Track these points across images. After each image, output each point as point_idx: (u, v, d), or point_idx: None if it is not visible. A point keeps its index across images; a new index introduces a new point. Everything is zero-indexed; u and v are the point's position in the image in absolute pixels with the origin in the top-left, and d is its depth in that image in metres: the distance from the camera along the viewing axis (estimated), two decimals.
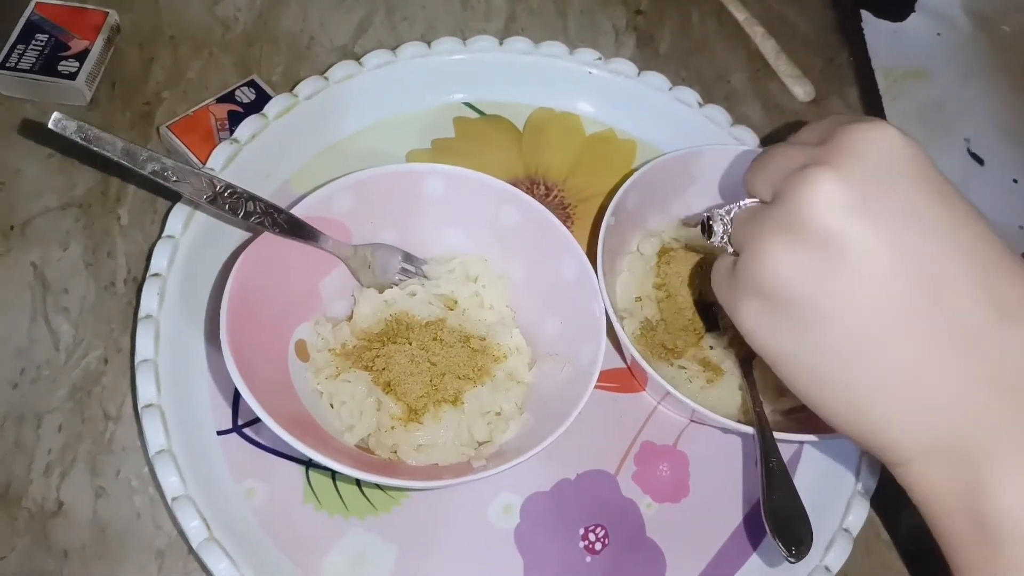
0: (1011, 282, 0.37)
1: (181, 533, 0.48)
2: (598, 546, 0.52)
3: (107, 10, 0.65)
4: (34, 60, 0.62)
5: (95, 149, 0.44)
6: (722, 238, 0.45)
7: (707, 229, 0.46)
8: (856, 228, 0.37)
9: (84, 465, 0.51)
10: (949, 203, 0.38)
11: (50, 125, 0.43)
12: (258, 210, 0.49)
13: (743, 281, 0.41)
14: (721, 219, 0.45)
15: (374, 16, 0.72)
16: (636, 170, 0.56)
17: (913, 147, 0.39)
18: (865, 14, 0.76)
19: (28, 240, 0.58)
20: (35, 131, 0.62)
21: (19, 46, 0.63)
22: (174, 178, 0.47)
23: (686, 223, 0.60)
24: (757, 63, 0.75)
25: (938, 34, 0.77)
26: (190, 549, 0.48)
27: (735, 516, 0.54)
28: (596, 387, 0.49)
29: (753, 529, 0.53)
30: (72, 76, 0.62)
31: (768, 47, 0.75)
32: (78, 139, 0.44)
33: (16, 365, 0.54)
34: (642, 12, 0.76)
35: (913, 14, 0.77)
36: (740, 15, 0.77)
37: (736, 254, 0.44)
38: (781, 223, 0.39)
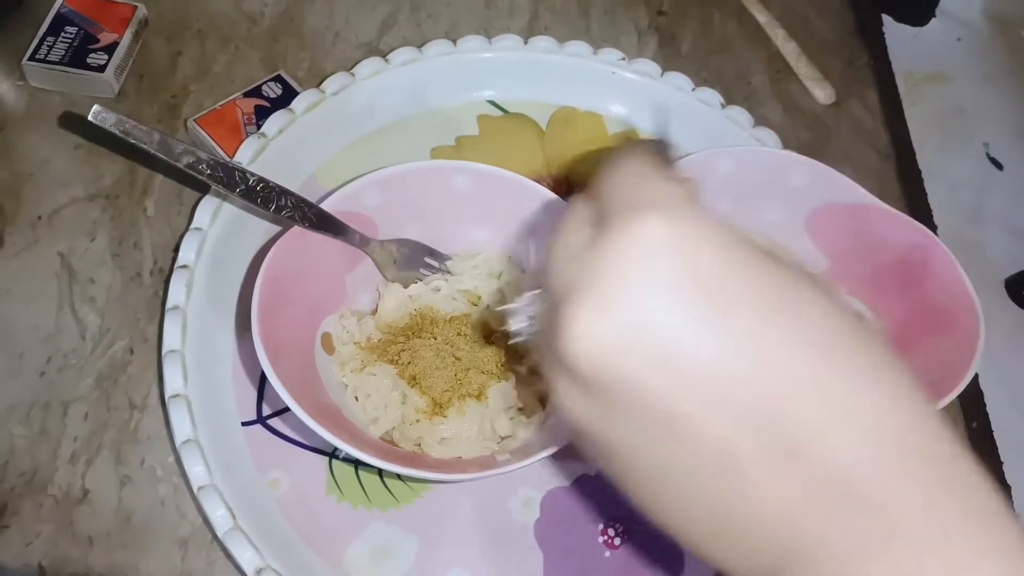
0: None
1: (206, 521, 0.49)
2: (617, 541, 0.52)
3: (136, 3, 0.66)
4: (63, 52, 0.63)
5: (132, 142, 0.45)
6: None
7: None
8: (625, 374, 0.27)
9: (109, 453, 0.52)
10: (743, 300, 0.27)
11: (90, 117, 0.44)
12: (289, 204, 0.50)
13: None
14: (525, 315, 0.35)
15: (399, 13, 0.72)
16: None
17: (687, 240, 0.27)
18: (886, 18, 0.77)
19: (55, 230, 0.59)
20: (64, 122, 0.62)
21: (49, 38, 0.63)
22: (208, 171, 0.47)
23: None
24: (778, 65, 0.75)
25: (958, 39, 0.77)
26: (215, 537, 0.48)
27: None
28: None
29: None
30: (101, 69, 0.63)
31: (789, 49, 0.76)
32: (117, 131, 0.44)
33: (43, 353, 0.54)
34: (664, 13, 0.76)
35: (934, 19, 0.78)
36: (761, 17, 0.77)
37: None
38: (558, 362, 0.29)
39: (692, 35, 0.76)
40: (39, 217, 0.59)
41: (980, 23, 0.78)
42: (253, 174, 0.49)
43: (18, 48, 0.63)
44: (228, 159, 0.59)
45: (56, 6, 0.65)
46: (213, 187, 0.50)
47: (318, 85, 0.62)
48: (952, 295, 0.54)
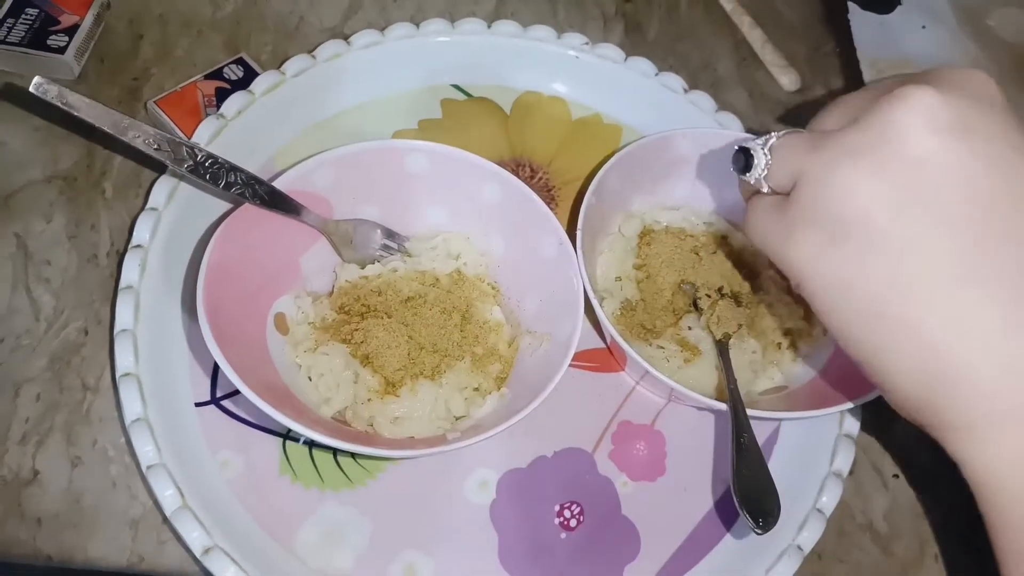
0: None
1: (155, 502, 0.48)
2: (573, 523, 0.52)
3: None
4: (23, 33, 0.62)
5: (75, 115, 0.44)
6: (763, 171, 0.41)
7: (743, 161, 0.42)
8: (955, 150, 0.34)
9: (60, 434, 0.51)
10: None
11: (31, 88, 0.43)
12: (239, 181, 0.49)
13: (800, 212, 0.38)
14: (761, 149, 0.41)
15: None
16: (618, 151, 0.57)
17: (1000, 90, 0.38)
18: (852, 5, 0.77)
19: (11, 212, 0.58)
20: (21, 103, 0.62)
21: (9, 19, 0.63)
22: (155, 146, 0.47)
23: (668, 208, 0.60)
24: (744, 52, 0.75)
25: (923, 27, 0.77)
26: (164, 518, 0.48)
27: (710, 496, 0.54)
28: (575, 366, 0.49)
29: (727, 509, 0.54)
30: (61, 51, 0.62)
31: (755, 36, 0.76)
32: (59, 103, 0.44)
33: None
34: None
35: (899, 6, 0.78)
36: (728, 4, 0.77)
37: (775, 192, 0.41)
38: (863, 146, 0.36)
39: (658, 22, 0.76)
40: None
41: (946, 11, 0.78)
42: (202, 150, 0.49)
43: None
44: (181, 137, 0.59)
45: None
46: (164, 163, 0.49)
47: (279, 67, 0.62)
48: None
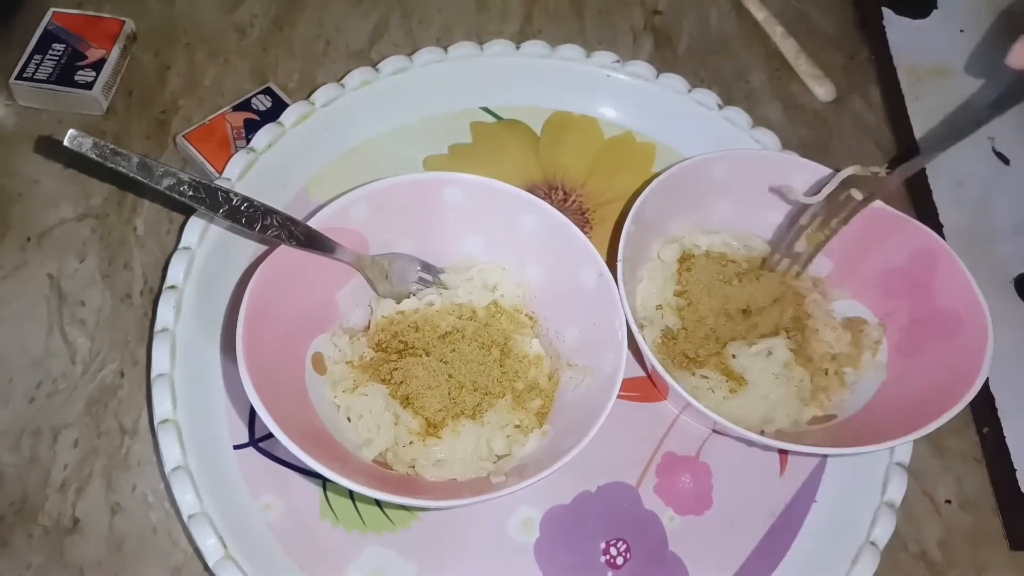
0: None
1: (196, 551, 0.48)
2: (619, 560, 0.51)
3: (123, 19, 0.65)
4: (51, 70, 0.62)
5: (110, 166, 0.44)
6: None
7: None
8: None
9: (100, 480, 0.51)
10: None
11: (65, 143, 0.43)
12: (275, 223, 0.49)
13: None
14: None
15: (390, 20, 0.71)
16: (656, 176, 0.56)
17: None
18: (887, 11, 0.75)
19: (44, 251, 0.58)
20: (52, 142, 0.62)
21: (36, 56, 0.62)
22: (190, 192, 0.46)
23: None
24: (777, 62, 0.74)
25: (961, 30, 0.76)
26: (206, 567, 0.48)
27: (759, 528, 0.53)
28: (618, 397, 0.48)
29: (776, 542, 0.52)
30: (88, 86, 0.62)
31: (788, 46, 0.74)
32: (94, 156, 0.43)
33: (33, 378, 0.54)
34: (660, 12, 0.75)
35: (935, 10, 0.76)
36: (759, 14, 0.76)
37: None
38: None
39: (689, 34, 0.74)
40: (28, 238, 0.58)
41: (983, 13, 0.76)
42: (237, 194, 0.48)
43: (5, 67, 0.63)
44: (213, 176, 0.58)
45: (43, 23, 0.64)
46: (199, 209, 0.49)
47: (308, 96, 0.61)
48: (959, 299, 0.53)
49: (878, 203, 0.55)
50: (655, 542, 0.52)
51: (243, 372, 0.44)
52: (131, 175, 0.45)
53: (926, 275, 0.55)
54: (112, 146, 0.44)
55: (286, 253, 0.50)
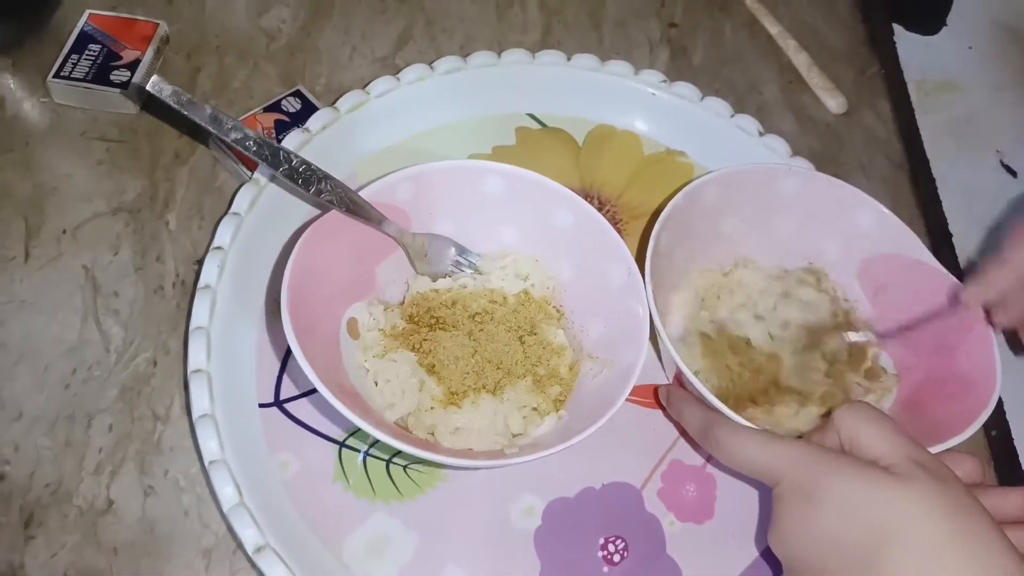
0: None
1: (213, 495, 0.50)
2: (616, 558, 0.53)
3: (157, 21, 0.67)
4: (87, 69, 0.64)
5: (186, 113, 0.48)
6: None
7: None
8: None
9: (133, 464, 0.53)
10: None
11: (148, 87, 0.47)
12: (329, 188, 0.52)
13: None
14: None
15: (413, 28, 0.73)
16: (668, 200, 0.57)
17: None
18: (897, 27, 0.77)
19: (79, 244, 0.60)
20: (87, 138, 0.63)
21: (73, 56, 0.64)
22: (254, 148, 0.50)
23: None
24: (789, 75, 0.76)
25: (969, 47, 0.78)
26: (222, 515, 0.49)
27: (758, 544, 0.54)
28: (631, 401, 0.49)
29: (773, 560, 0.53)
30: (124, 85, 0.64)
31: (800, 59, 0.76)
32: (172, 103, 0.48)
33: (68, 365, 0.55)
34: (676, 25, 0.77)
35: (944, 27, 0.78)
36: (773, 28, 0.78)
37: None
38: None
39: (703, 47, 0.76)
40: (63, 231, 0.60)
41: (991, 31, 0.78)
42: (297, 155, 0.51)
43: (43, 66, 0.64)
44: (243, 179, 0.61)
45: (80, 24, 0.66)
46: (259, 164, 0.52)
47: (333, 102, 0.63)
48: (979, 369, 0.54)
49: (931, 261, 0.57)
50: (653, 544, 0.53)
51: (285, 317, 0.47)
52: (203, 125, 0.49)
53: (956, 340, 0.56)
54: (188, 95, 0.48)
55: (336, 218, 0.52)
